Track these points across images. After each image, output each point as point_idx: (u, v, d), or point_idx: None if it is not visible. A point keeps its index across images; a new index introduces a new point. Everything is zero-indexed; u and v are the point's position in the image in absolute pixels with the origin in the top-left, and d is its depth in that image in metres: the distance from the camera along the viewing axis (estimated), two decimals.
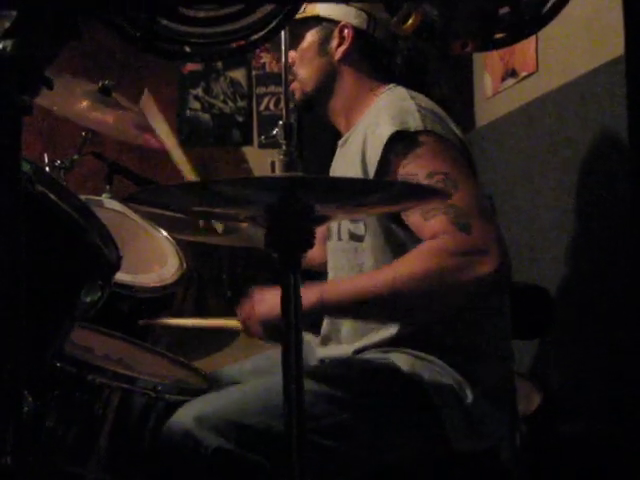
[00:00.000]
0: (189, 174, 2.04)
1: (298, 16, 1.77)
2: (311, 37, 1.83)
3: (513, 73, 2.85)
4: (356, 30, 1.79)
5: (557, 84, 2.49)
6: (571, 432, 2.20)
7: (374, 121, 1.68)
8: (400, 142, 1.59)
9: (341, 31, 1.80)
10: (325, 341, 1.81)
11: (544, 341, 2.48)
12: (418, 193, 1.25)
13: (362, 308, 1.58)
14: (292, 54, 1.83)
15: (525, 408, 2.07)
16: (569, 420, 2.24)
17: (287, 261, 1.11)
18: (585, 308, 2.27)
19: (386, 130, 1.60)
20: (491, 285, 1.51)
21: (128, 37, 0.92)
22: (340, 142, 1.89)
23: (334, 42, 1.81)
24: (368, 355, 1.68)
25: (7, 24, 0.89)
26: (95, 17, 0.90)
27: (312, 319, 1.71)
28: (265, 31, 0.94)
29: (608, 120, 2.18)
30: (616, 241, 2.10)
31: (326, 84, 1.83)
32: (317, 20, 1.82)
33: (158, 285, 2.26)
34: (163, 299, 2.35)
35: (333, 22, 1.80)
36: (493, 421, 1.64)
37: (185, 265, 2.37)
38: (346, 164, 1.79)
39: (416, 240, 1.59)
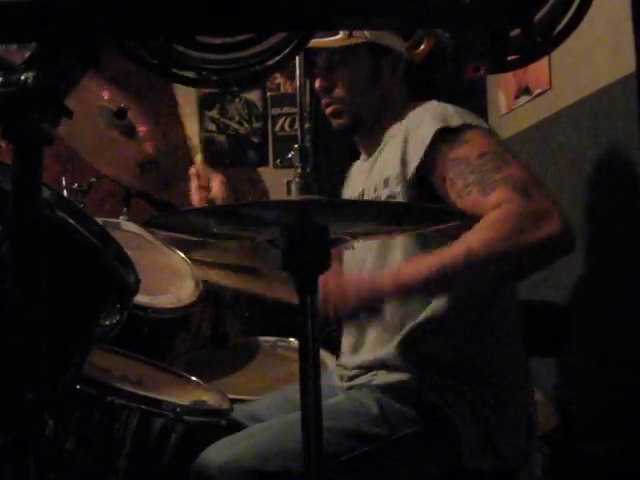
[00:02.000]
0: None
1: (348, 42, 1.77)
2: (365, 64, 1.83)
3: (527, 90, 2.86)
4: (403, 56, 1.81)
5: (571, 101, 2.50)
6: (590, 451, 2.18)
7: (413, 123, 1.70)
8: (446, 137, 1.62)
9: (396, 59, 1.82)
10: (356, 348, 1.80)
11: (561, 359, 2.47)
12: (436, 215, 1.26)
13: (441, 284, 1.56)
14: (331, 77, 1.83)
15: (543, 426, 2.06)
16: (587, 439, 2.23)
17: (304, 283, 1.12)
18: (603, 325, 2.26)
19: (430, 128, 1.63)
20: (558, 245, 1.51)
21: (146, 64, 0.94)
22: (363, 158, 1.92)
23: (387, 69, 1.83)
24: (382, 379, 1.68)
25: (27, 54, 0.91)
26: (113, 45, 0.91)
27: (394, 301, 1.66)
28: (279, 57, 0.96)
29: (622, 136, 2.18)
30: (633, 257, 2.10)
31: (380, 109, 1.84)
32: (369, 47, 1.81)
33: (175, 306, 2.27)
34: (180, 320, 2.36)
35: (386, 49, 1.81)
36: (511, 441, 1.64)
37: (202, 286, 2.38)
38: (377, 171, 1.80)
39: (440, 237, 1.59)
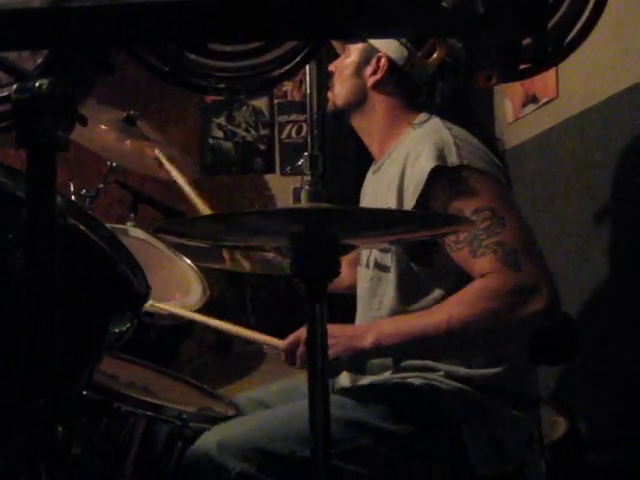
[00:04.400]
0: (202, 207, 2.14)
1: None
2: (353, 56, 1.84)
3: (534, 99, 2.86)
4: (392, 63, 1.78)
5: (578, 110, 2.50)
6: (597, 460, 2.17)
7: (413, 153, 1.68)
8: (441, 177, 1.59)
9: (378, 60, 1.80)
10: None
11: (569, 367, 2.47)
12: (441, 223, 1.26)
13: (418, 349, 1.62)
14: (336, 63, 1.87)
15: (550, 435, 2.06)
16: (595, 448, 2.22)
17: (313, 291, 1.11)
18: (610, 334, 2.26)
19: (426, 164, 1.61)
20: (542, 321, 1.53)
21: (157, 71, 0.94)
22: (373, 168, 1.91)
23: (369, 68, 1.82)
24: (390, 380, 1.69)
25: (39, 60, 0.92)
26: (125, 52, 0.92)
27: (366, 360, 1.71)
28: (290, 65, 0.96)
29: (629, 145, 2.18)
30: None
31: (355, 104, 1.85)
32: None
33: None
34: (186, 326, 2.36)
35: (374, 49, 1.81)
36: (518, 446, 1.64)
37: (208, 293, 2.38)
38: (379, 192, 1.80)
39: (433, 279, 1.66)
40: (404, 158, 1.70)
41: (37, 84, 0.75)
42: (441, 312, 1.56)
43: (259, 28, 0.86)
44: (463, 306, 1.54)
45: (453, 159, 1.60)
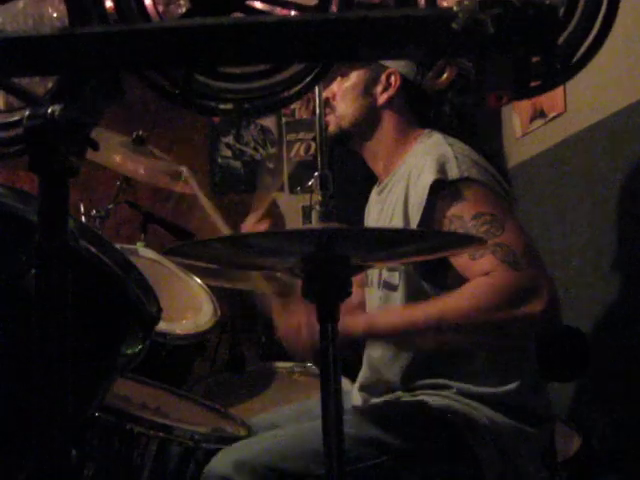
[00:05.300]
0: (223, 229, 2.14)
1: None
2: (357, 77, 1.83)
3: (542, 114, 2.86)
4: (403, 78, 1.80)
5: (586, 124, 2.49)
6: (611, 477, 2.16)
7: (415, 170, 1.68)
8: (442, 190, 1.60)
9: (388, 77, 1.81)
10: (366, 389, 1.80)
11: (583, 384, 2.45)
12: (454, 242, 1.26)
13: (408, 339, 1.62)
14: (333, 88, 1.85)
15: (564, 452, 2.04)
16: (609, 464, 2.21)
17: (324, 311, 1.11)
18: (622, 349, 2.24)
19: (427, 179, 1.61)
20: (540, 324, 1.51)
21: (167, 94, 0.94)
22: (377, 189, 1.90)
23: (379, 86, 1.82)
24: (403, 398, 1.68)
25: (49, 85, 0.92)
26: (136, 76, 0.92)
27: (355, 345, 1.71)
28: (298, 87, 0.96)
29: (638, 158, 2.17)
30: None
31: (364, 125, 1.84)
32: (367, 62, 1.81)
33: (193, 332, 2.27)
34: (198, 345, 2.36)
35: (381, 66, 1.81)
36: (531, 466, 1.63)
37: (219, 312, 2.38)
38: (384, 213, 1.80)
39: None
40: (407, 176, 1.71)
41: (49, 110, 0.75)
42: (437, 304, 1.57)
43: (268, 50, 0.86)
44: (460, 299, 1.54)
45: (453, 172, 1.61)
